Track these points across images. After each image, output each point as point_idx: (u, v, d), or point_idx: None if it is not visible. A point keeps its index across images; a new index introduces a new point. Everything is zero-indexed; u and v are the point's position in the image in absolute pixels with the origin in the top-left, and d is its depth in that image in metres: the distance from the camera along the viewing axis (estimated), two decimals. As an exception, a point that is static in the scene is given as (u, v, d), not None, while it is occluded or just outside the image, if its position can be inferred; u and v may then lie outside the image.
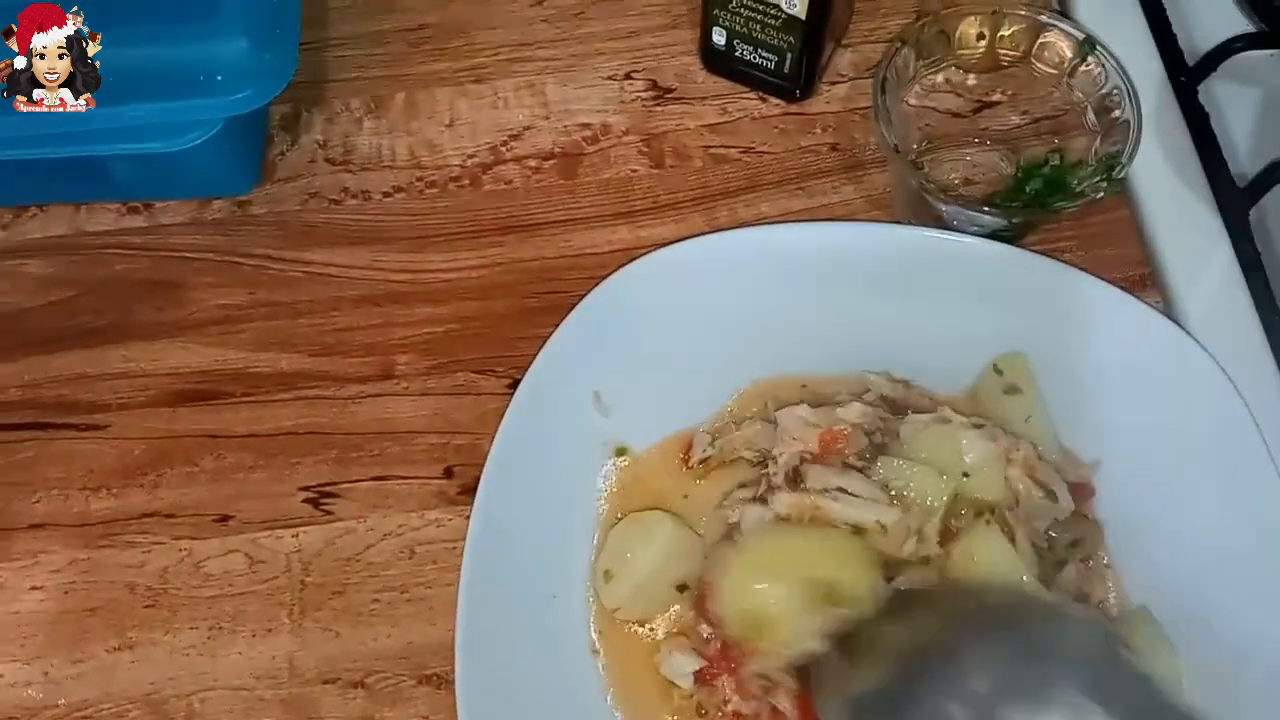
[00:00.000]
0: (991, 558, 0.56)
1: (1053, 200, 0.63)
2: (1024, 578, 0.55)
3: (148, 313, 0.67)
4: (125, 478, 0.63)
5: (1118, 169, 0.61)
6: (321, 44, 0.75)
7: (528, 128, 0.73)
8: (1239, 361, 0.60)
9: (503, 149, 0.72)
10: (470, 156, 0.72)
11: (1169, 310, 0.65)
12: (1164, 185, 0.68)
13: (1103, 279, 0.62)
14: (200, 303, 0.68)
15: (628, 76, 0.74)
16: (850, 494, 0.57)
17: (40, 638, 0.60)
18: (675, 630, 0.59)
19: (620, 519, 0.61)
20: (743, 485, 0.61)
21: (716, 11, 0.69)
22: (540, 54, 0.75)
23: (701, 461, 0.62)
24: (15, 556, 0.62)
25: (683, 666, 0.56)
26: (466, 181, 0.71)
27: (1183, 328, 0.61)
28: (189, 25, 0.62)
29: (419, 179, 0.71)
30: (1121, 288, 0.62)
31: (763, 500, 0.58)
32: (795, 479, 0.58)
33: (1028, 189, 0.64)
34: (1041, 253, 0.64)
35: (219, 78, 0.61)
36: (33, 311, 0.68)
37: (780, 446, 0.59)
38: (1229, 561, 0.57)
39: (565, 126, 0.73)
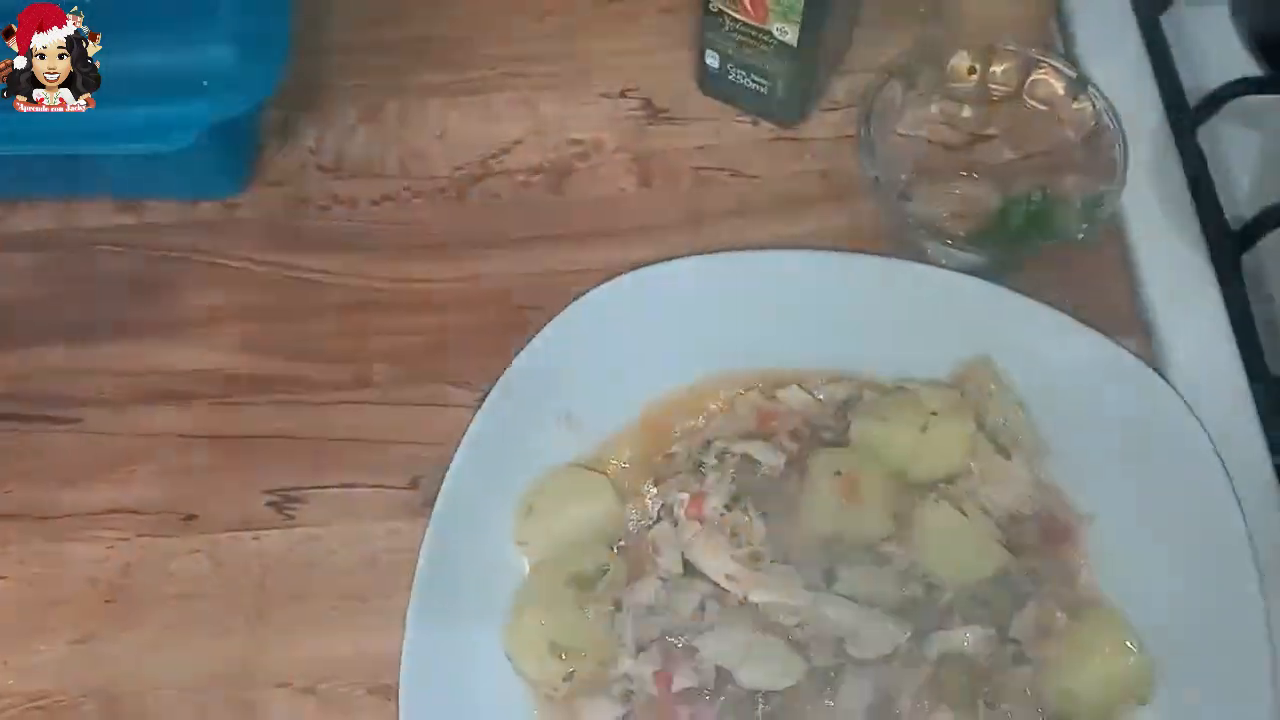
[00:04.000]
0: (948, 531, 0.57)
1: (1035, 237, 0.62)
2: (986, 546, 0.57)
3: (131, 310, 0.68)
4: (95, 473, 0.64)
5: (1102, 209, 0.60)
6: (322, 49, 0.75)
7: (518, 142, 0.72)
8: (1222, 412, 0.59)
9: (492, 162, 0.72)
10: (459, 169, 0.72)
11: (1154, 356, 0.63)
12: (1156, 227, 0.67)
13: (1084, 322, 0.61)
14: (184, 302, 0.68)
15: (622, 94, 0.74)
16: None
17: (1, 626, 0.61)
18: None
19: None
20: (677, 473, 0.61)
21: (710, 35, 0.68)
22: (537, 69, 0.75)
23: (668, 456, 0.61)
24: (-19, 545, 0.62)
25: (602, 714, 0.56)
26: (453, 194, 0.71)
27: (1163, 376, 0.60)
28: (180, 32, 0.63)
29: (406, 188, 0.71)
30: (1103, 332, 0.61)
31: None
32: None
33: (1011, 225, 0.63)
34: (1025, 293, 0.63)
35: (205, 83, 0.62)
36: (17, 305, 0.68)
37: (720, 429, 0.61)
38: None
39: (556, 142, 0.72)
